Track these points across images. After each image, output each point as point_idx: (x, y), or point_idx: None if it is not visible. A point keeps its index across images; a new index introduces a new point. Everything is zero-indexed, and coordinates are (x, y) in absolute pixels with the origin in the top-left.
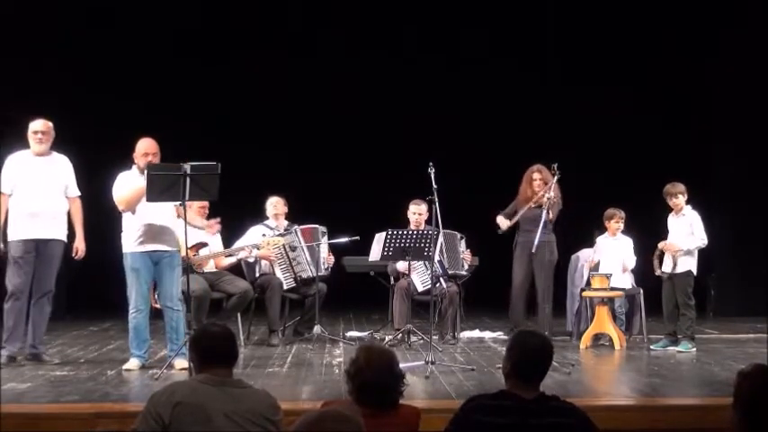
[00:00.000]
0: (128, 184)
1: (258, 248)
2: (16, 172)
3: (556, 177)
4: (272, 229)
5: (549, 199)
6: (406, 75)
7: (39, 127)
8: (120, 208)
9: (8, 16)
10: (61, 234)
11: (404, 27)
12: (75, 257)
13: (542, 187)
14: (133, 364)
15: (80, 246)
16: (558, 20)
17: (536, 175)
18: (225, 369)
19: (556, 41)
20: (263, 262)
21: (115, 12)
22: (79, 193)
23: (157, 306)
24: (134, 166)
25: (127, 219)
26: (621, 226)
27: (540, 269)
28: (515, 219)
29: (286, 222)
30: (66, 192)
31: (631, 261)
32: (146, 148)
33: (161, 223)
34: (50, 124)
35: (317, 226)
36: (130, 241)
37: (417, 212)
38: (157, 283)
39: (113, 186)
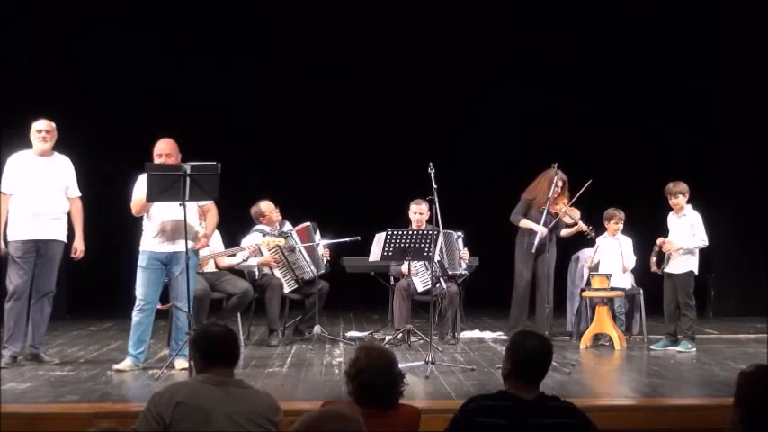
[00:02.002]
0: (139, 190)
1: (260, 249)
2: (17, 172)
3: (582, 190)
4: (268, 233)
5: (564, 213)
6: (406, 75)
7: (43, 126)
8: (132, 212)
9: (9, 16)
10: (61, 235)
11: (404, 27)
12: (75, 258)
13: (560, 194)
14: (125, 364)
15: (79, 246)
16: (556, 21)
17: (560, 183)
18: (226, 369)
19: (555, 42)
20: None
21: (115, 11)
22: (80, 194)
23: (161, 307)
24: None
25: (145, 219)
26: (621, 227)
27: (544, 269)
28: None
29: (278, 224)
30: (66, 192)
31: (631, 261)
32: (158, 149)
33: (176, 224)
34: (53, 124)
35: (308, 224)
36: (144, 240)
37: (418, 212)
38: (169, 283)
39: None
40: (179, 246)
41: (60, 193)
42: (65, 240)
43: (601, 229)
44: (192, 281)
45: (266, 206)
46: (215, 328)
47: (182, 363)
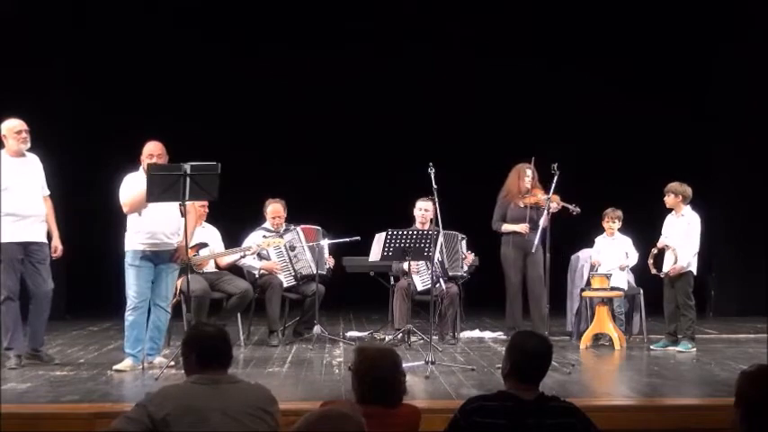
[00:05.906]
0: (133, 188)
1: (260, 251)
2: None
3: (556, 178)
4: (271, 232)
5: (548, 200)
6: (406, 74)
7: (23, 126)
8: (124, 210)
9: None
10: (44, 236)
11: (403, 25)
12: (56, 257)
13: (533, 185)
14: (125, 364)
15: (59, 245)
16: (556, 18)
17: (528, 172)
18: (221, 370)
19: (555, 40)
20: (264, 261)
21: (113, 8)
22: (49, 192)
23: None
24: (141, 168)
25: (132, 217)
26: (615, 225)
27: (535, 269)
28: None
29: (284, 225)
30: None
31: (634, 258)
32: (150, 149)
33: (165, 223)
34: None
35: (318, 227)
36: (133, 239)
37: (424, 209)
38: (154, 281)
39: (120, 188)
40: (167, 245)
41: (40, 194)
42: (46, 241)
43: (599, 230)
44: (171, 283)
45: (272, 209)
46: (207, 328)
47: (162, 361)
